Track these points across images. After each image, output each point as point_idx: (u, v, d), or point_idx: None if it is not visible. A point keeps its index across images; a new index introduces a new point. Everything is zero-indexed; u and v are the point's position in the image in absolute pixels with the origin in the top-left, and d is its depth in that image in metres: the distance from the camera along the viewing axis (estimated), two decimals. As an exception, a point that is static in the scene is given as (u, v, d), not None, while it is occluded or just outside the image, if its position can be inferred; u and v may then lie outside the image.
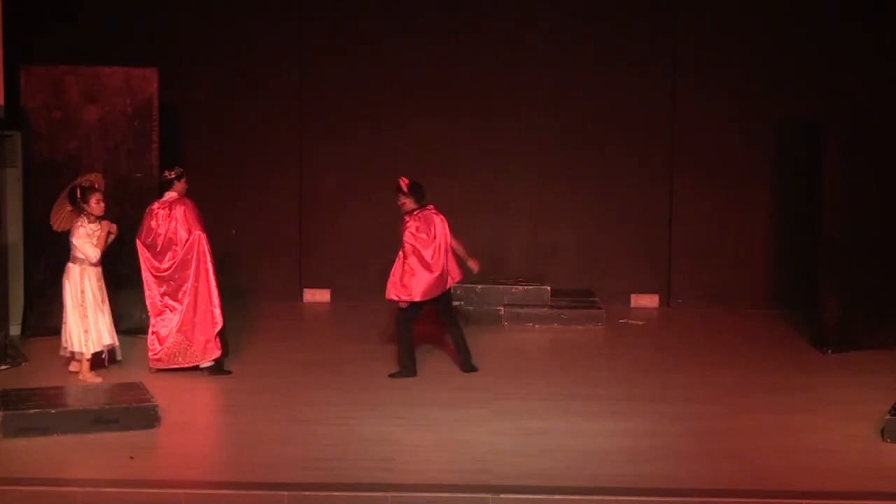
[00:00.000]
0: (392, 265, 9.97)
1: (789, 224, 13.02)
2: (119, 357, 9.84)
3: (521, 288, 12.40)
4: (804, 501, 7.06)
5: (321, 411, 8.81)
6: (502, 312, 12.15)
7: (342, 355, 10.70)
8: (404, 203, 9.92)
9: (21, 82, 10.99)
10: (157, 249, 9.84)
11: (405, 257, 9.80)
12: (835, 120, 10.92)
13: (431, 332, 10.86)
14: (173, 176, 9.94)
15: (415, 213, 9.88)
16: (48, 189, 10.81)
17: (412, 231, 9.81)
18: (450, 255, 9.96)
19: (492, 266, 12.99)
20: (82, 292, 9.52)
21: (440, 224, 9.90)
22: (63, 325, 9.58)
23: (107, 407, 8.31)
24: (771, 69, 13.02)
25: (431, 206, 9.97)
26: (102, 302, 9.63)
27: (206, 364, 9.86)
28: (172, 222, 9.81)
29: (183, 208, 9.83)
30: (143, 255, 9.88)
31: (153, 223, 9.87)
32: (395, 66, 13.23)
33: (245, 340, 11.16)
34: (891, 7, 12.47)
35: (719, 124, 13.14)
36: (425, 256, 9.80)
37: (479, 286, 12.31)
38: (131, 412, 8.29)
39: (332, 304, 13.19)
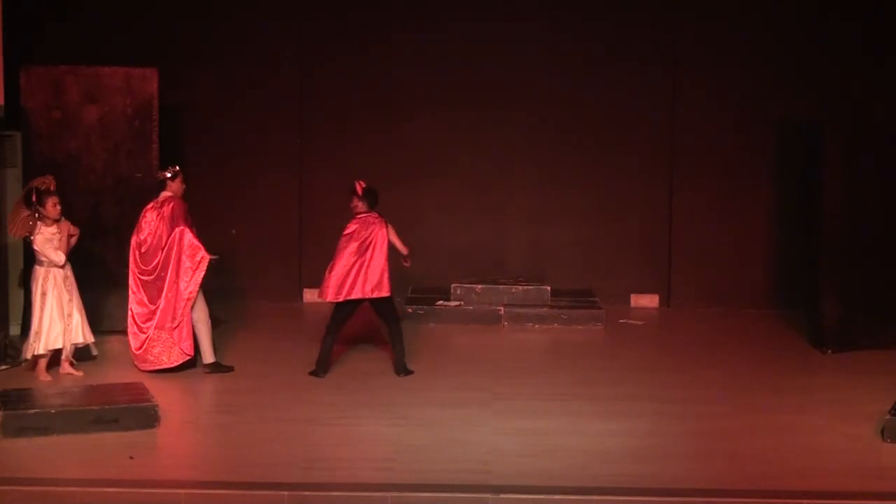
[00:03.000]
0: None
1: (789, 224, 13.02)
2: (95, 353, 9.90)
3: (521, 288, 12.40)
4: (804, 501, 7.05)
5: (321, 411, 8.80)
6: (502, 312, 12.14)
7: (342, 355, 10.68)
8: (356, 206, 9.96)
9: (21, 82, 10.99)
10: (144, 250, 9.84)
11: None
12: (835, 120, 10.93)
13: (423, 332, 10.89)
14: (168, 175, 9.94)
15: (359, 216, 9.90)
16: (48, 189, 10.86)
17: (347, 231, 9.85)
18: (376, 265, 9.82)
19: (492, 266, 13.03)
20: (43, 294, 9.52)
21: (380, 233, 9.85)
22: (32, 329, 9.59)
23: (107, 407, 8.30)
24: (771, 69, 13.02)
25: (376, 214, 9.93)
26: (69, 302, 9.59)
27: (207, 360, 9.86)
28: (161, 222, 9.81)
29: (171, 206, 9.83)
30: (133, 255, 9.90)
31: (143, 223, 9.89)
32: (395, 65, 13.23)
33: (245, 340, 11.16)
34: (891, 7, 12.47)
35: (719, 124, 13.14)
36: (347, 258, 9.80)
37: (479, 286, 12.32)
38: (131, 412, 8.29)
39: (332, 304, 13.15)
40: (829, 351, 10.87)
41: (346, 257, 9.80)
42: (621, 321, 12.45)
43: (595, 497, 7.07)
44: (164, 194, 9.92)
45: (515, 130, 13.27)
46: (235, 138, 13.20)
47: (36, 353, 9.55)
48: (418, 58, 13.22)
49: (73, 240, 9.67)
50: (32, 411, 8.17)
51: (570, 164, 13.29)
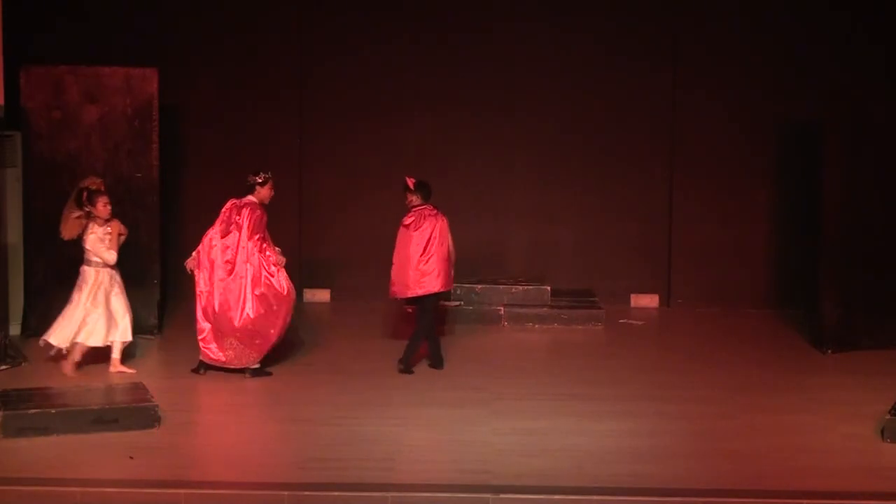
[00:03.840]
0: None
1: (789, 224, 13.02)
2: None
3: (521, 288, 12.39)
4: (804, 501, 7.06)
5: (321, 411, 8.80)
6: (502, 312, 12.14)
7: (342, 355, 10.70)
8: (411, 200, 10.04)
9: (21, 82, 10.99)
10: (213, 243, 9.78)
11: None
12: (835, 120, 10.93)
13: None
14: (259, 181, 9.84)
15: (415, 209, 9.95)
16: (48, 189, 10.85)
17: (406, 222, 9.93)
18: (439, 258, 9.92)
19: (492, 266, 13.02)
20: (90, 294, 9.54)
21: (437, 225, 9.92)
22: (58, 321, 9.59)
23: (107, 407, 8.31)
24: (771, 69, 13.02)
25: (431, 206, 10.01)
26: (106, 302, 9.61)
27: (253, 366, 9.81)
28: (235, 227, 9.73)
29: (249, 213, 9.74)
30: (202, 247, 9.83)
31: (222, 218, 9.83)
32: (396, 65, 13.23)
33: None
34: (891, 6, 12.48)
35: (719, 124, 13.14)
36: (412, 253, 9.86)
37: (479, 286, 12.31)
38: (131, 412, 8.29)
39: (332, 304, 13.18)
40: (829, 351, 10.87)
41: (410, 252, 9.87)
42: (621, 321, 12.44)
43: (595, 497, 7.07)
44: (248, 198, 9.82)
45: (515, 130, 13.26)
46: (235, 138, 13.19)
47: (90, 345, 9.56)
48: (418, 58, 13.21)
49: (122, 238, 9.74)
50: (32, 411, 8.17)
51: (570, 164, 13.29)
